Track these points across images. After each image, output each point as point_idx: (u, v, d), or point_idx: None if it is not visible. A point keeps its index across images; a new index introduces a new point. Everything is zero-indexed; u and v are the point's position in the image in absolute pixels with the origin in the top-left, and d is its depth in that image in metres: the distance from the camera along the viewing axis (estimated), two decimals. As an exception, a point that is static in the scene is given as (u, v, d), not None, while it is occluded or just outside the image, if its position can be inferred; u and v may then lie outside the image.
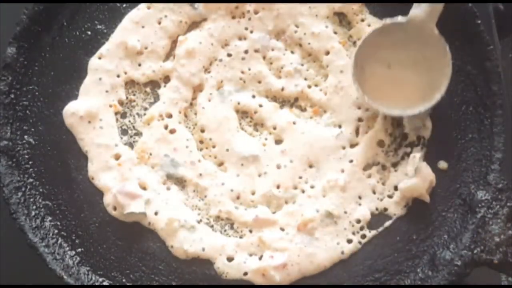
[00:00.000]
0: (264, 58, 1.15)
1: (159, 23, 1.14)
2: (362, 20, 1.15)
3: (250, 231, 1.06)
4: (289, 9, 1.15)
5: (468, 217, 1.01)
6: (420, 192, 1.03)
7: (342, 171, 1.08)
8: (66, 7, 1.12)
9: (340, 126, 1.11)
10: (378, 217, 1.07)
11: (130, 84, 1.13)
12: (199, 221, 1.06)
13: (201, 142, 1.11)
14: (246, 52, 1.14)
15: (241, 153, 1.09)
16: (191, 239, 1.03)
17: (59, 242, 1.02)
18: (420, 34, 1.05)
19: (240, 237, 1.06)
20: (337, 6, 1.15)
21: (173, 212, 1.05)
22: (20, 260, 1.10)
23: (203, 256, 1.03)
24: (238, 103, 1.13)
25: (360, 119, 1.12)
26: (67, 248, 1.02)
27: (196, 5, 1.14)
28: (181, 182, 1.08)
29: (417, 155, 1.05)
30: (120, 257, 1.04)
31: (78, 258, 1.02)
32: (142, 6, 1.15)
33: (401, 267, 1.02)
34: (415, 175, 1.03)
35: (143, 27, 1.13)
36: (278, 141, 1.11)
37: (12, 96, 1.05)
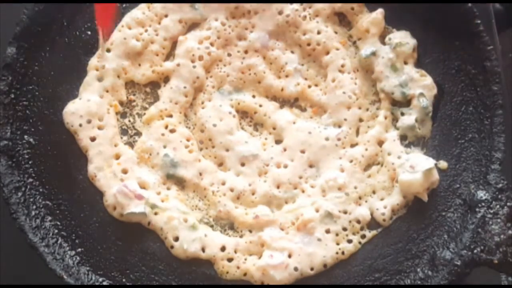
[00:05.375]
0: (264, 58, 1.15)
1: (159, 23, 1.14)
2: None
3: (250, 231, 1.06)
4: (289, 9, 1.15)
5: (468, 217, 1.01)
6: (418, 189, 1.03)
7: (342, 171, 1.08)
8: (66, 7, 1.12)
9: (340, 126, 1.11)
10: (378, 217, 1.07)
11: (130, 84, 1.13)
12: (199, 221, 1.06)
13: (201, 142, 1.11)
14: (246, 52, 1.15)
15: (241, 153, 1.09)
16: (191, 239, 1.03)
17: (59, 242, 1.02)
18: None
19: (240, 237, 1.06)
20: (337, 6, 1.16)
21: (173, 212, 1.04)
22: (20, 260, 1.10)
23: (203, 256, 1.03)
24: (238, 103, 1.13)
25: (360, 119, 1.12)
26: (67, 248, 1.02)
27: (196, 5, 1.15)
28: (181, 182, 1.08)
29: (432, 160, 1.04)
30: (120, 257, 1.04)
31: (78, 258, 1.02)
32: (142, 6, 1.15)
33: (401, 267, 1.02)
34: (420, 172, 1.03)
35: (143, 27, 1.13)
36: (278, 141, 1.11)
37: (12, 96, 1.05)
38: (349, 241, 1.05)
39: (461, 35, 1.09)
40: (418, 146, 1.10)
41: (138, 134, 1.11)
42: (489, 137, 1.05)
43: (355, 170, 1.08)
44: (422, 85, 1.11)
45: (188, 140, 1.10)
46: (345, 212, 1.06)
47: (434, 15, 1.11)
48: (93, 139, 1.08)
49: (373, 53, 1.12)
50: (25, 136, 1.06)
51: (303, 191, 1.08)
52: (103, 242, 1.04)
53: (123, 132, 1.11)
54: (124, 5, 1.15)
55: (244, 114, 1.13)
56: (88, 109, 1.08)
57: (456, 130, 1.09)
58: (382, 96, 1.12)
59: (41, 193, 1.04)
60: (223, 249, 1.04)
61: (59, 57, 1.11)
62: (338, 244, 1.05)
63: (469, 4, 1.07)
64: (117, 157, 1.08)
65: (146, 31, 1.13)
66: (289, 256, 1.03)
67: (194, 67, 1.12)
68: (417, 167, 1.04)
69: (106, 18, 1.07)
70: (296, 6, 1.15)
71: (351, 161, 1.09)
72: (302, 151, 1.10)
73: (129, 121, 1.12)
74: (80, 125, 1.08)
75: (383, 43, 1.14)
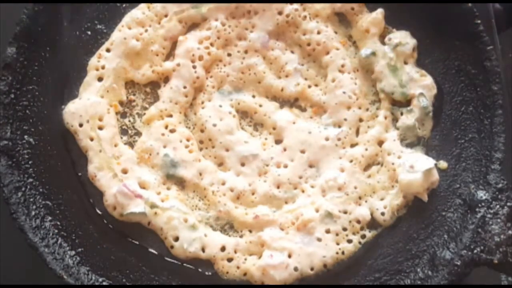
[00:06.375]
0: (264, 58, 1.15)
1: (159, 23, 1.14)
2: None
3: (250, 231, 1.06)
4: (289, 9, 1.15)
5: (468, 217, 1.01)
6: (418, 189, 1.03)
7: (342, 171, 1.08)
8: (66, 7, 1.12)
9: (340, 126, 1.11)
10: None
11: (130, 84, 1.13)
12: (199, 221, 1.06)
13: (201, 142, 1.11)
14: (246, 52, 1.14)
15: (241, 153, 1.09)
16: (191, 238, 1.03)
17: (59, 242, 1.02)
18: None
19: (240, 237, 1.06)
20: (337, 6, 1.16)
21: (173, 212, 1.04)
22: (20, 260, 1.10)
23: (203, 256, 1.03)
24: (238, 103, 1.13)
25: (360, 119, 1.12)
26: (67, 248, 1.02)
27: (197, 5, 1.14)
28: (181, 182, 1.08)
29: (432, 160, 1.05)
30: (120, 257, 1.04)
31: (78, 258, 1.02)
32: (142, 6, 1.15)
33: (401, 267, 1.02)
34: (420, 172, 1.03)
35: (143, 27, 1.13)
36: (278, 141, 1.11)
37: (12, 96, 1.05)
38: (349, 241, 1.05)
39: (461, 35, 1.09)
40: (418, 146, 1.10)
41: (138, 134, 1.11)
42: (489, 137, 1.05)
43: (355, 170, 1.08)
44: (422, 85, 1.11)
45: (188, 140, 1.10)
46: (345, 212, 1.06)
47: (434, 15, 1.11)
48: (93, 139, 1.08)
49: (373, 53, 1.12)
50: (25, 136, 1.06)
51: (303, 191, 1.08)
52: (103, 242, 1.04)
53: (123, 132, 1.11)
54: (124, 5, 1.15)
55: (244, 114, 1.13)
56: (88, 109, 1.08)
57: (456, 130, 1.09)
58: (382, 96, 1.12)
59: (41, 193, 1.04)
60: (223, 249, 1.04)
61: (59, 57, 1.11)
62: (338, 244, 1.05)
63: (469, 4, 1.07)
64: (117, 157, 1.08)
65: (146, 31, 1.13)
66: (289, 256, 1.03)
67: (194, 67, 1.12)
68: (417, 167, 1.04)
69: None
70: (296, 6, 1.15)
71: (351, 161, 1.09)
72: (302, 151, 1.10)
73: (129, 121, 1.12)
74: (80, 125, 1.08)
75: (383, 43, 1.14)
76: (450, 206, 1.04)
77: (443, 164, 1.08)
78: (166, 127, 1.10)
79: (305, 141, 1.10)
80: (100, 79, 1.11)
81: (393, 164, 1.08)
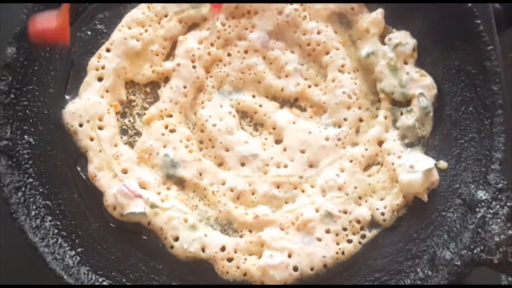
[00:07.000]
0: (264, 58, 1.15)
1: (159, 23, 1.14)
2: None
3: (250, 231, 1.06)
4: (289, 9, 1.15)
5: (468, 217, 1.01)
6: (418, 189, 1.03)
7: (342, 170, 1.08)
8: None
9: (340, 126, 1.11)
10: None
11: (130, 84, 1.13)
12: (199, 221, 1.06)
13: (201, 142, 1.11)
14: (246, 52, 1.14)
15: (241, 153, 1.09)
16: (191, 238, 1.03)
17: (59, 242, 1.02)
18: None
19: (240, 237, 1.06)
20: (337, 6, 1.16)
21: (173, 212, 1.04)
22: (20, 260, 1.10)
23: (203, 256, 1.03)
24: (238, 103, 1.13)
25: (360, 119, 1.12)
26: (67, 248, 1.02)
27: (197, 5, 1.14)
28: (181, 182, 1.08)
29: (432, 160, 1.05)
30: (120, 257, 1.04)
31: (78, 258, 1.02)
32: (142, 6, 1.15)
33: (401, 267, 1.02)
34: (420, 172, 1.03)
35: (143, 27, 1.14)
36: (278, 141, 1.11)
37: (12, 96, 1.05)
38: (349, 241, 1.05)
39: (461, 35, 1.09)
40: (418, 146, 1.10)
41: (138, 134, 1.11)
42: (489, 137, 1.05)
43: (355, 170, 1.08)
44: (422, 85, 1.11)
45: (188, 140, 1.10)
46: (345, 212, 1.06)
47: (434, 15, 1.11)
48: (93, 139, 1.08)
49: (373, 53, 1.13)
50: (25, 136, 1.06)
51: (303, 191, 1.08)
52: (103, 242, 1.04)
53: (123, 132, 1.11)
54: (124, 5, 1.15)
55: (244, 114, 1.13)
56: (88, 109, 1.08)
57: (456, 130, 1.09)
58: (382, 96, 1.12)
59: (41, 193, 1.04)
60: (223, 249, 1.04)
61: (59, 57, 1.11)
62: (338, 244, 1.05)
63: (469, 4, 1.07)
64: (117, 157, 1.08)
65: (146, 31, 1.13)
66: (289, 256, 1.02)
67: (194, 67, 1.12)
68: (417, 167, 1.04)
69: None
70: (296, 6, 1.15)
71: (351, 161, 1.09)
72: (302, 151, 1.10)
73: (129, 121, 1.12)
74: (80, 125, 1.08)
75: (383, 43, 1.14)
76: (450, 206, 1.04)
77: (443, 164, 1.08)
78: (166, 127, 1.10)
79: (305, 141, 1.10)
80: (100, 79, 1.11)
81: (393, 164, 1.08)
